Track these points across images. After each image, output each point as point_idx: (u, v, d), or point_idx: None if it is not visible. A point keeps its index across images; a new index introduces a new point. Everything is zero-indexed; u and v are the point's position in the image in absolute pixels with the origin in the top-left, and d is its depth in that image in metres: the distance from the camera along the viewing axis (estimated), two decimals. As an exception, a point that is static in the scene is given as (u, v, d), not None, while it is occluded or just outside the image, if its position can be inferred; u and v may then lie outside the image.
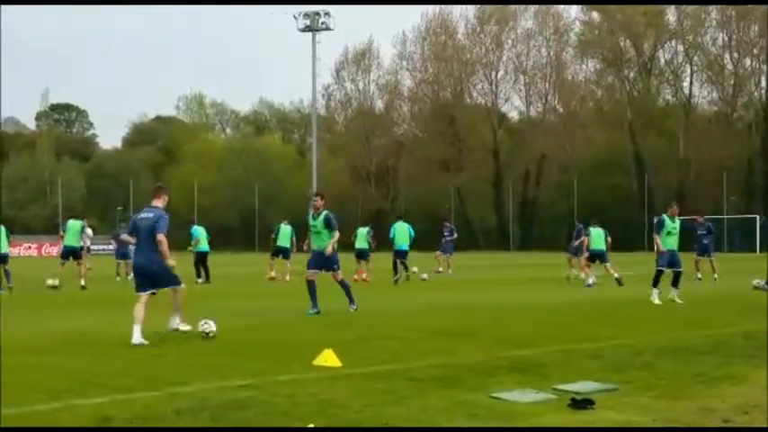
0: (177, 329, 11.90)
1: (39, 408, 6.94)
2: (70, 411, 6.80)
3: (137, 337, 10.94)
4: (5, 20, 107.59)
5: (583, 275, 24.91)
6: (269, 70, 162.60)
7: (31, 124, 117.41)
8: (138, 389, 7.76)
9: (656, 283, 17.39)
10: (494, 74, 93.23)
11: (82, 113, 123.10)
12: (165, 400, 7.24)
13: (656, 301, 17.04)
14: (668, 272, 17.48)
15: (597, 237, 24.32)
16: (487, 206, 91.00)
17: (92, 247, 41.91)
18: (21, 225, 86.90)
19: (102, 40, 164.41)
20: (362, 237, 27.88)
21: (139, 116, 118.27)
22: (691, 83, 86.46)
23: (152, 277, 11.64)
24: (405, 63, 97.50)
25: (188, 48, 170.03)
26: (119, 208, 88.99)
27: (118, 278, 28.03)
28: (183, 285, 12.12)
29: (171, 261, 11.73)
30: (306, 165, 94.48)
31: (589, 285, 23.16)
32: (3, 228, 22.35)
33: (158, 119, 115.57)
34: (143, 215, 11.84)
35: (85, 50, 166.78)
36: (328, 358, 9.28)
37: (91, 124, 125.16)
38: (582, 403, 6.95)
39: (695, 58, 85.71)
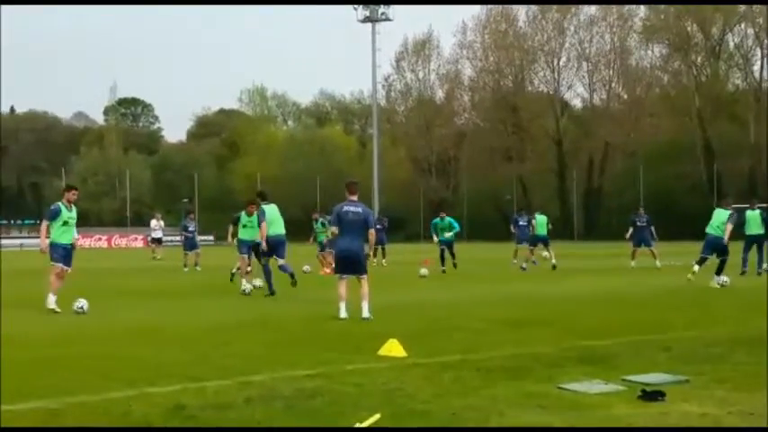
0: (369, 318, 12.61)
1: (114, 395, 7.06)
2: (144, 399, 6.91)
3: (342, 312, 12.61)
4: (76, 17, 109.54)
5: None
6: (329, 61, 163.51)
7: (99, 119, 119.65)
8: (209, 377, 7.85)
9: (719, 271, 19.04)
10: (556, 61, 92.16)
11: (148, 107, 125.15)
12: (235, 389, 7.33)
13: (718, 284, 18.58)
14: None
15: (541, 223, 28.38)
16: (551, 196, 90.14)
17: (163, 239, 42.88)
18: (93, 217, 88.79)
19: (166, 35, 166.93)
20: (447, 225, 27.73)
21: (203, 109, 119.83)
22: (762, 67, 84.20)
23: (355, 264, 13.03)
24: (465, 52, 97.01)
25: (249, 41, 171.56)
26: (184, 200, 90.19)
27: (185, 269, 28.40)
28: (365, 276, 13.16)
29: (371, 252, 13.69)
30: (367, 155, 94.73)
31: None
32: None
33: (222, 112, 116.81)
34: (350, 209, 12.99)
35: (151, 46, 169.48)
36: (393, 348, 9.30)
37: (157, 118, 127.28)
38: (653, 395, 6.84)
39: (766, 41, 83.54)
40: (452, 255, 27.14)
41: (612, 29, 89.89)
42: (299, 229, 33.98)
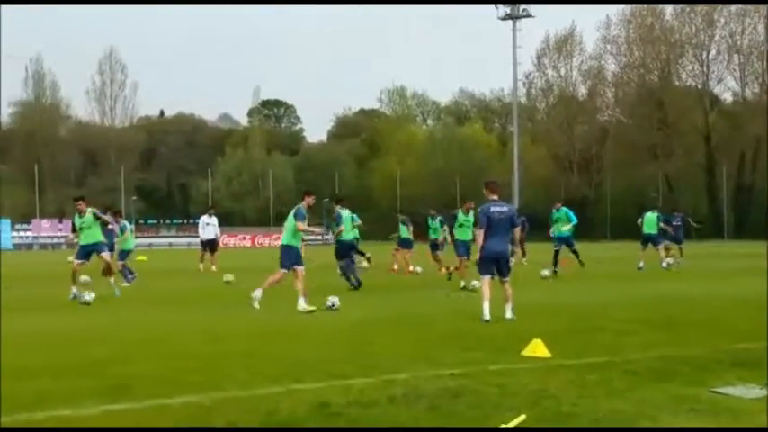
0: (513, 318, 12.56)
1: (262, 392, 7.23)
2: (290, 396, 7.04)
3: (486, 314, 12.38)
4: (223, 20, 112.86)
5: None
6: (469, 60, 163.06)
7: (243, 120, 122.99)
8: (353, 375, 7.94)
9: None
10: (705, 54, 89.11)
11: (290, 109, 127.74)
12: (379, 387, 7.39)
13: None
14: None
15: (650, 221, 26.87)
16: (699, 193, 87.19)
17: (305, 238, 43.59)
18: (237, 217, 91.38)
19: (307, 37, 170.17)
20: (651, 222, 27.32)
21: (344, 110, 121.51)
22: None
23: (501, 266, 12.98)
24: (609, 47, 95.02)
25: (389, 41, 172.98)
26: (325, 200, 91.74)
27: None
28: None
29: (520, 251, 13.24)
30: (507, 153, 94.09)
31: None
32: (127, 224, 23.63)
33: (362, 112, 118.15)
34: (497, 209, 12.89)
35: (293, 48, 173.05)
36: (537, 349, 9.19)
37: (298, 119, 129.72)
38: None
39: None
40: (575, 253, 24.68)
41: (766, 19, 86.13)
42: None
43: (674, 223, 30.93)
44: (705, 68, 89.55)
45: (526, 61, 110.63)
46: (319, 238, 59.71)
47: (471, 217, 20.27)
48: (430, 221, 26.22)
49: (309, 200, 15.68)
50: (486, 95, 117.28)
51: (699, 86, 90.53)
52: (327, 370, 8.25)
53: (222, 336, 11.01)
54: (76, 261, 17.84)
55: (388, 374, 7.95)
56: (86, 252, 17.94)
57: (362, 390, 7.29)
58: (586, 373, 8.07)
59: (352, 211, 21.43)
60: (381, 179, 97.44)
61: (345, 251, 20.39)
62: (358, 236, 23.59)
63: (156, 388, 7.37)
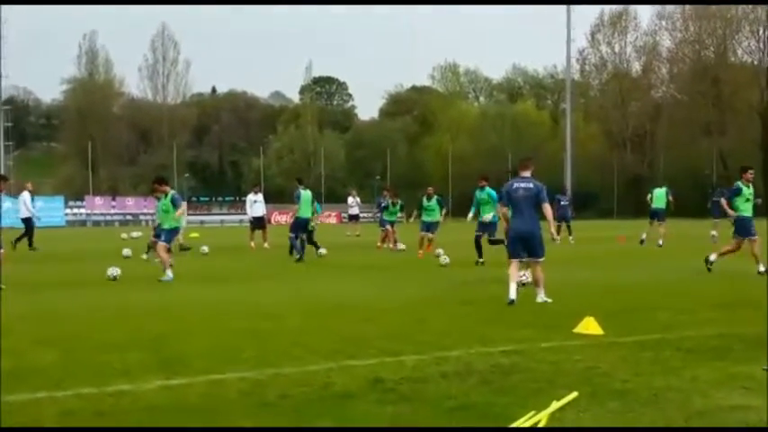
0: (546, 301, 12.02)
1: (315, 367, 7.31)
2: (344, 372, 7.12)
3: (512, 293, 11.83)
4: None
5: None
6: (522, 36, 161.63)
7: (295, 98, 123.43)
8: (406, 352, 7.99)
9: None
10: (762, 30, 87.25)
11: (341, 86, 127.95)
12: (432, 364, 7.43)
13: None
14: None
15: (659, 196, 27.71)
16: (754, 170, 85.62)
17: (360, 215, 43.87)
18: (288, 194, 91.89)
19: (358, 14, 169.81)
20: (660, 197, 27.87)
21: (396, 87, 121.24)
22: None
23: (530, 245, 12.21)
24: (664, 23, 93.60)
25: (440, 17, 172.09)
26: (376, 177, 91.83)
27: (385, 245, 28.39)
28: (542, 259, 12.29)
29: (556, 236, 13.23)
30: (560, 131, 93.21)
31: None
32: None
33: (414, 89, 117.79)
34: (521, 185, 12.29)
35: (344, 24, 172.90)
36: (590, 326, 9.17)
37: (350, 96, 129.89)
38: None
39: None
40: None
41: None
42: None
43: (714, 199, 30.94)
44: (761, 44, 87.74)
45: (580, 37, 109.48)
46: (369, 215, 59.81)
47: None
48: (390, 207, 27.09)
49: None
50: (540, 72, 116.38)
51: (755, 63, 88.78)
52: (380, 347, 8.32)
53: (275, 312, 11.13)
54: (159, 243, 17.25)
55: (440, 351, 7.99)
56: (159, 233, 17.71)
57: (415, 366, 7.34)
58: (640, 350, 8.05)
59: (400, 191, 22.14)
60: (433, 157, 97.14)
61: (297, 226, 22.87)
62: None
63: (211, 364, 7.49)
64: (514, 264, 12.18)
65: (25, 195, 28.83)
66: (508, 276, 12.08)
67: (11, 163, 79.47)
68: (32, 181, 31.86)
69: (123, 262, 20.83)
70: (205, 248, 25.69)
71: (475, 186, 20.74)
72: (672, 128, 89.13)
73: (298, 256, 21.96)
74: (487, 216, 19.87)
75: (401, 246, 25.90)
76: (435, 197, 24.68)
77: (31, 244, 27.95)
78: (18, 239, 27.95)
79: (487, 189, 20.23)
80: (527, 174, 12.45)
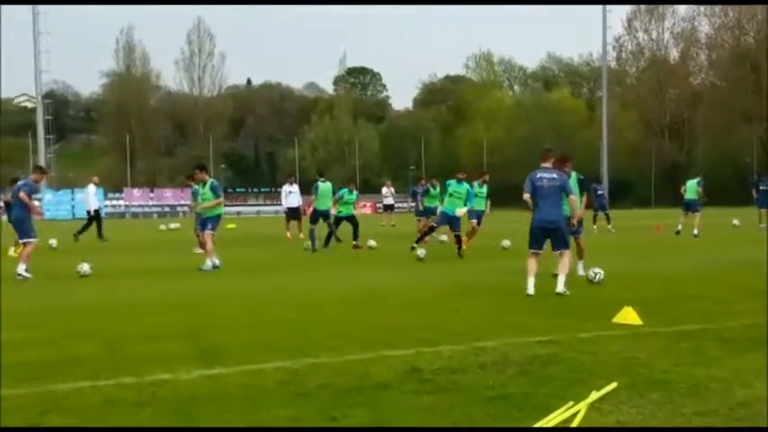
0: (565, 292, 11.65)
1: (352, 357, 7.33)
2: (381, 362, 7.12)
3: (530, 288, 11.67)
4: None
5: None
6: (557, 24, 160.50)
7: (329, 89, 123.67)
8: (442, 342, 7.97)
9: None
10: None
11: (376, 76, 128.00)
12: (469, 354, 7.40)
13: None
14: None
15: (691, 188, 27.16)
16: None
17: (395, 205, 43.83)
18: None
19: (392, 5, 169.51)
20: (692, 188, 27.39)
21: (430, 77, 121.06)
22: None
23: (554, 237, 12.00)
24: (702, 9, 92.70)
25: (473, 6, 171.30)
26: (411, 167, 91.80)
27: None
28: (568, 250, 12.12)
29: (574, 219, 12.93)
30: (596, 119, 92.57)
31: None
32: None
33: (448, 78, 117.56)
34: (545, 175, 12.01)
35: (378, 15, 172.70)
36: (628, 316, 9.10)
37: (384, 86, 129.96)
38: None
39: None
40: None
41: None
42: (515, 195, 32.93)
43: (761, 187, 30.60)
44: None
45: (616, 24, 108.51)
46: (404, 205, 59.86)
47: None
48: (431, 190, 26.98)
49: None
50: (575, 60, 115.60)
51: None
52: (416, 337, 8.31)
53: (312, 303, 11.16)
54: (206, 232, 17.37)
55: (476, 342, 7.95)
56: (203, 222, 17.78)
57: (452, 356, 7.32)
58: (679, 340, 7.97)
59: (436, 180, 22.05)
60: (467, 146, 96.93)
61: (316, 218, 22.96)
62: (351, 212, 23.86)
63: (249, 354, 7.52)
64: (533, 257, 11.92)
65: (91, 188, 29.38)
66: (527, 270, 11.87)
67: (51, 156, 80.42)
68: (73, 173, 32.46)
69: (162, 253, 20.99)
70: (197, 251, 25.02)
71: (510, 175, 20.68)
72: (711, 115, 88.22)
73: (311, 248, 22.09)
74: (460, 210, 19.23)
75: (443, 237, 25.63)
76: (485, 185, 23.97)
77: (100, 235, 28.75)
78: (80, 232, 28.75)
79: (465, 183, 19.71)
80: (548, 164, 12.23)
